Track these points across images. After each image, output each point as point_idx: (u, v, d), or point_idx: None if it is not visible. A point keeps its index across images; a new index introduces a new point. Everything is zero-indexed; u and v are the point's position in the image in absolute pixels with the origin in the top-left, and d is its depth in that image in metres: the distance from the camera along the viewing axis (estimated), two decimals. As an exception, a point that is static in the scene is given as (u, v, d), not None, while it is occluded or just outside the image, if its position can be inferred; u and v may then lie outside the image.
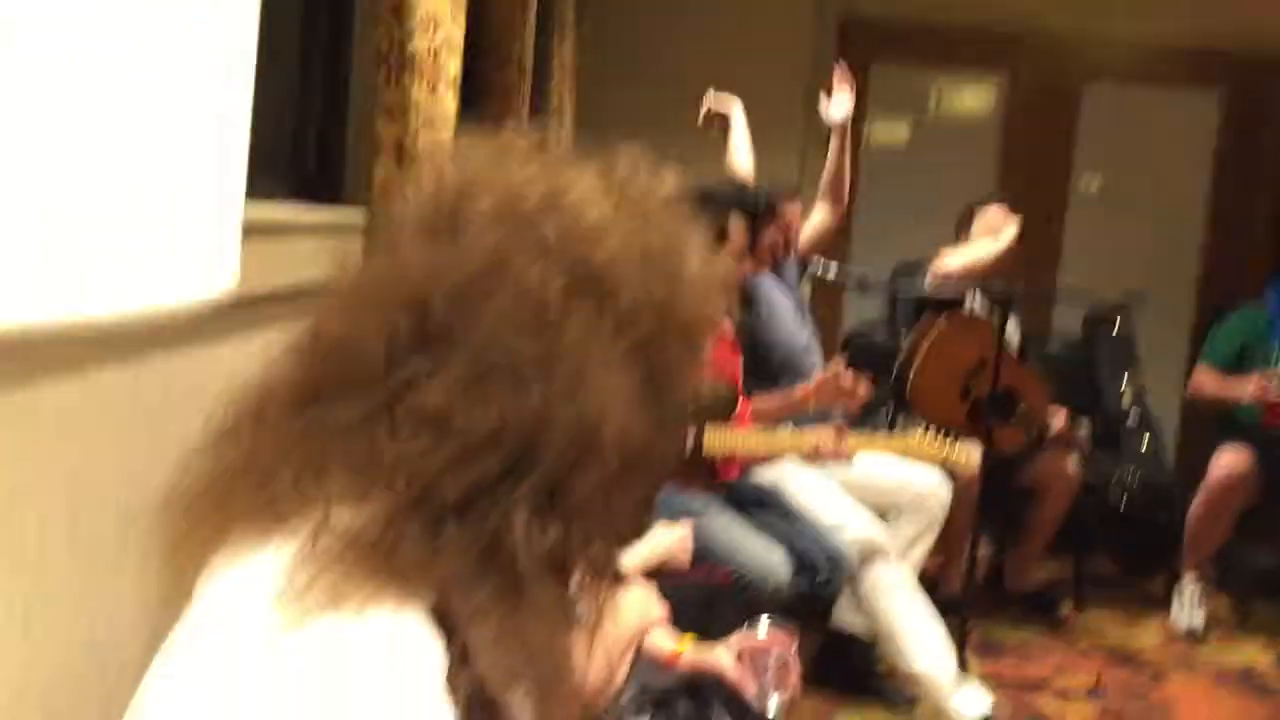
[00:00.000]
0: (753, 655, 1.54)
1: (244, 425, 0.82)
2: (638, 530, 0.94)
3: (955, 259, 3.69)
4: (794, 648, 1.57)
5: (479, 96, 2.62)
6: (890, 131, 5.16)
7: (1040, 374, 3.90)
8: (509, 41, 2.64)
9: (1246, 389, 3.88)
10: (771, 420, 3.12)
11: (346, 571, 0.73)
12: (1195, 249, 5.08)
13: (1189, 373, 4.96)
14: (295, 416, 0.80)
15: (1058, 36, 4.93)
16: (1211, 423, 4.23)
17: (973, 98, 5.18)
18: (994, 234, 3.75)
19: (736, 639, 1.58)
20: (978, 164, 5.03)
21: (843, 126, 3.57)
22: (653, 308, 0.82)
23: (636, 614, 1.63)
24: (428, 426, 0.76)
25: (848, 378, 2.97)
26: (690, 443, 2.73)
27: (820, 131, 4.31)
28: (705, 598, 2.19)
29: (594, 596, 0.84)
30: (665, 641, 1.63)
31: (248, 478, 0.79)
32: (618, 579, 1.91)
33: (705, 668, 1.57)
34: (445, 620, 0.76)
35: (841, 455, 2.88)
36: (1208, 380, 4.07)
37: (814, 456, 2.88)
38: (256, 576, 0.76)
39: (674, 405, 0.85)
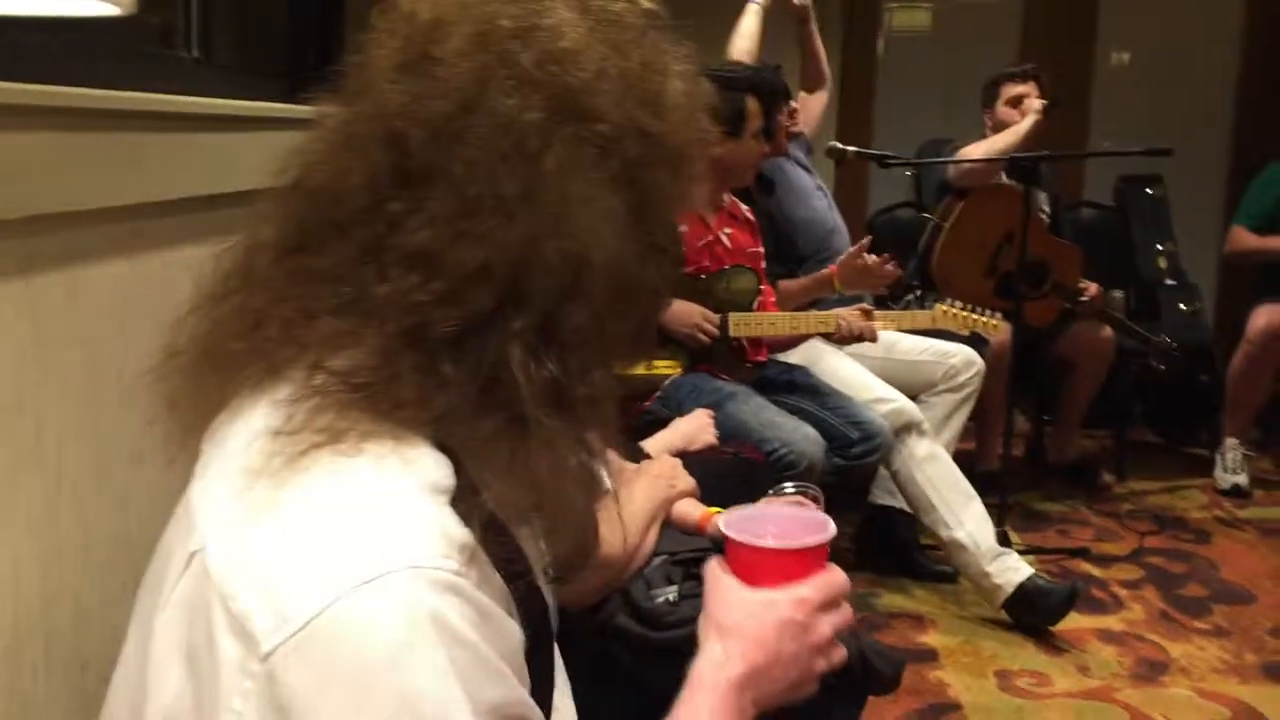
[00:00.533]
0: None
1: (232, 281, 0.82)
2: (635, 357, 0.92)
3: (978, 150, 3.60)
4: (820, 507, 1.56)
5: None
6: (911, 16, 5.03)
7: (1072, 243, 3.83)
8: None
9: None
10: (798, 302, 3.10)
11: (343, 409, 0.73)
12: (1226, 112, 4.94)
13: (1224, 233, 4.89)
14: (282, 266, 0.79)
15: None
16: (1249, 283, 4.16)
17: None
18: (1019, 110, 3.68)
19: (762, 503, 1.58)
20: (1001, 42, 4.91)
21: (804, 7, 3.56)
22: (636, 132, 0.80)
23: (663, 483, 1.63)
24: (415, 265, 0.75)
25: (873, 258, 2.93)
26: (717, 329, 2.73)
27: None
28: (739, 472, 2.19)
29: (600, 425, 0.83)
30: (693, 510, 1.63)
31: (239, 332, 0.79)
32: (632, 444, 1.92)
33: (734, 531, 1.57)
34: (450, 455, 0.75)
35: (866, 334, 2.86)
36: (1245, 237, 3.99)
37: (840, 336, 2.86)
38: (255, 422, 0.76)
39: (663, 230, 0.84)
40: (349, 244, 0.77)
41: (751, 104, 2.83)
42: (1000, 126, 3.73)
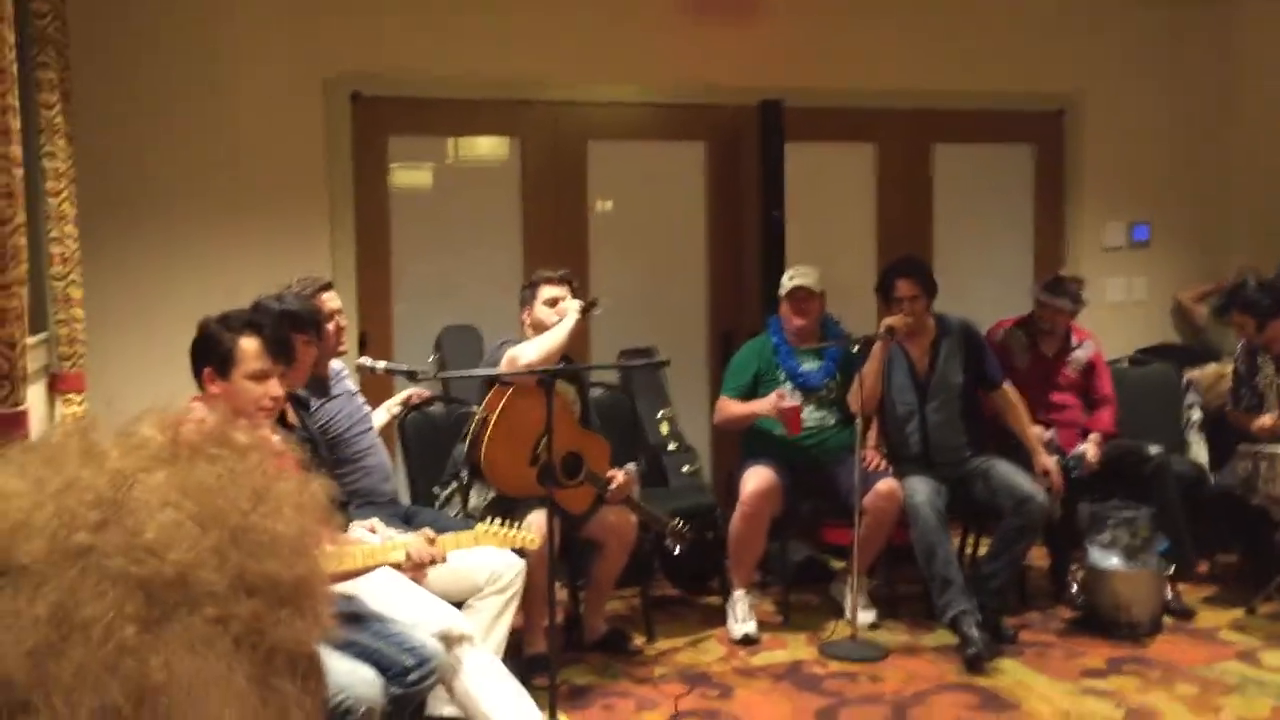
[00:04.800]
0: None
1: None
2: None
3: (529, 350, 3.80)
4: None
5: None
6: (414, 177, 5.24)
7: (600, 432, 4.14)
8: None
9: (764, 404, 4.37)
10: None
11: None
12: (702, 287, 5.60)
13: (712, 398, 5.51)
14: None
15: (559, 104, 5.26)
16: (738, 448, 4.72)
17: (489, 148, 5.38)
18: (556, 311, 3.95)
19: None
20: (503, 206, 5.27)
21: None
22: (246, 589, 0.74)
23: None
24: None
25: (433, 554, 2.95)
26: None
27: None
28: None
29: None
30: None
31: None
32: None
33: None
34: None
35: (437, 558, 2.92)
36: (730, 406, 4.52)
37: (410, 564, 2.89)
38: None
39: (294, 681, 0.77)
40: None
41: (246, 344, 2.80)
42: (539, 325, 3.97)
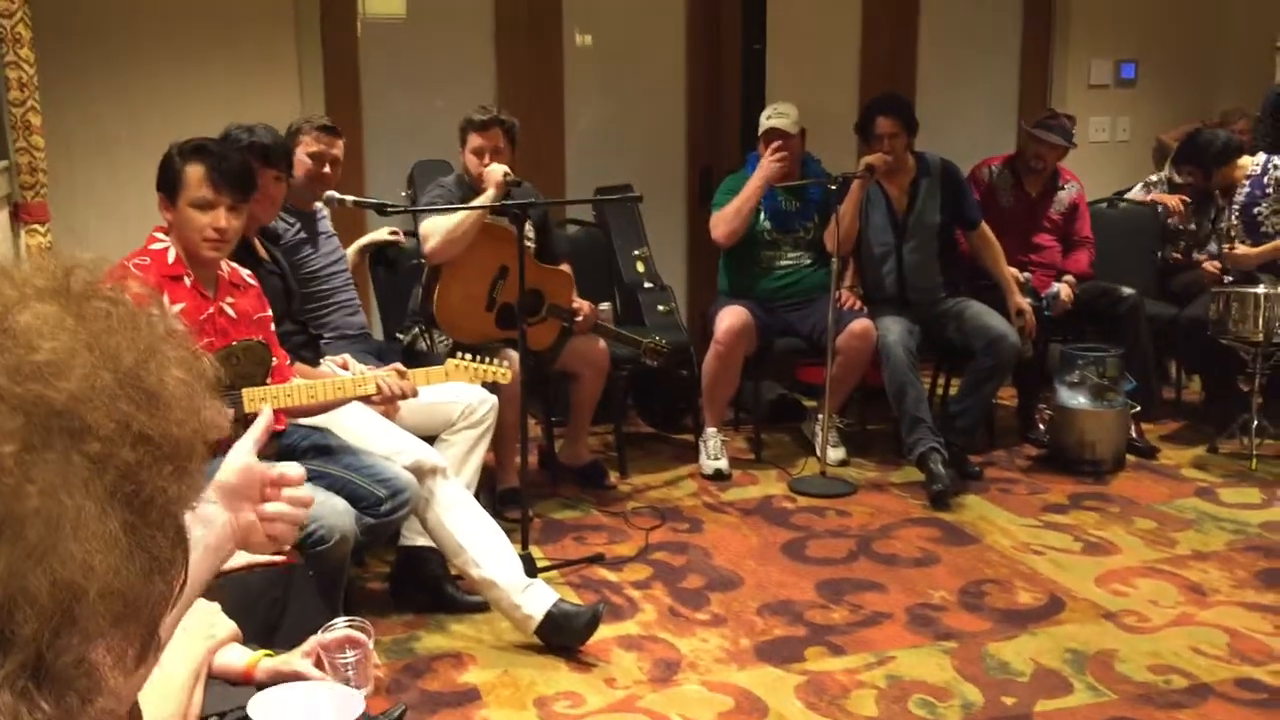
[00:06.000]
0: (330, 655, 1.58)
1: None
2: (146, 662, 0.87)
3: (434, 234, 3.69)
4: (371, 642, 1.62)
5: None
6: (387, 6, 5.06)
7: (559, 266, 4.11)
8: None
9: (757, 175, 4.31)
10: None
11: None
12: (681, 123, 5.49)
13: (690, 235, 5.47)
14: None
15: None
16: (714, 287, 4.71)
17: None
18: (483, 163, 3.84)
19: (313, 642, 1.61)
20: (477, 37, 5.11)
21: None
22: (132, 437, 0.73)
23: (200, 637, 1.60)
24: None
25: (404, 387, 2.91)
26: (230, 408, 2.66)
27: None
28: (281, 584, 2.18)
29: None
30: (237, 658, 1.62)
31: None
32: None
33: (284, 675, 1.58)
34: None
35: (408, 391, 2.92)
36: (725, 208, 4.42)
37: (381, 397, 2.90)
38: None
39: (169, 539, 0.76)
40: None
41: (192, 170, 2.72)
42: (468, 171, 3.91)
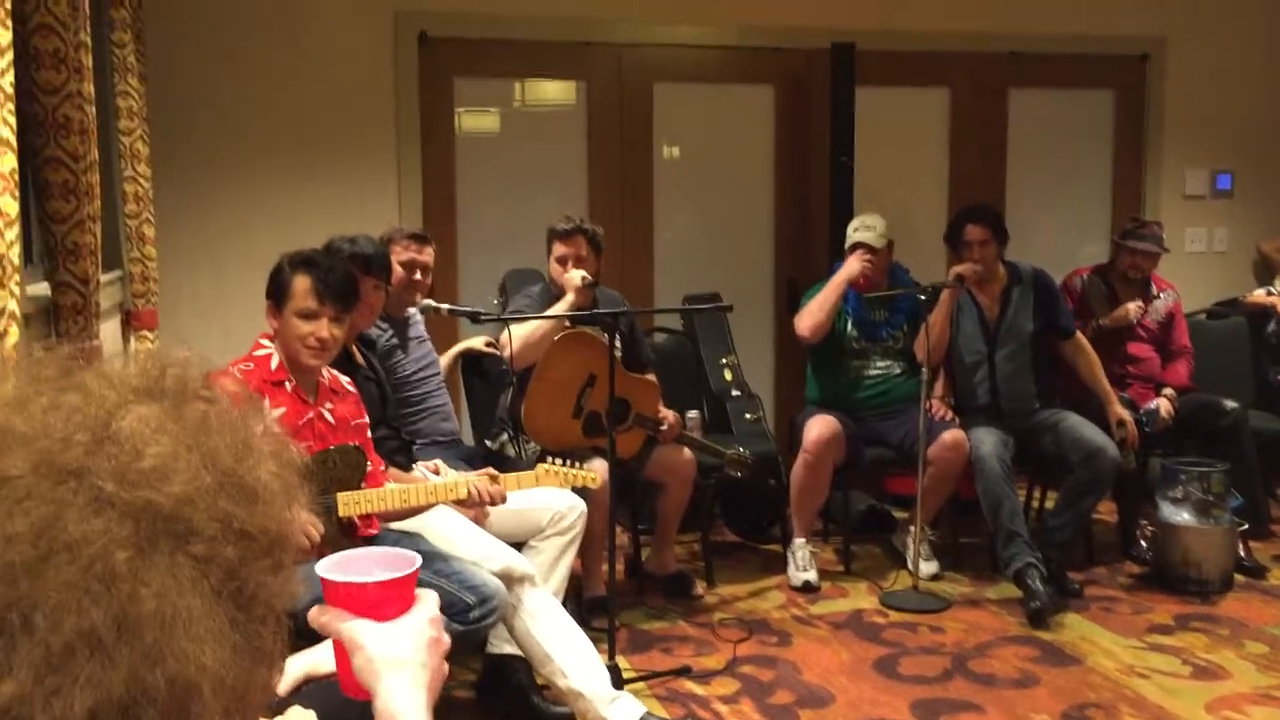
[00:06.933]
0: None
1: None
2: None
3: (515, 340, 3.73)
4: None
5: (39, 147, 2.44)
6: (481, 121, 5.23)
7: (647, 376, 4.13)
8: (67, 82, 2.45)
9: (843, 271, 4.35)
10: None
11: None
12: (769, 234, 5.54)
13: (776, 344, 5.48)
14: None
15: (624, 45, 5.21)
16: (802, 396, 4.69)
17: (555, 92, 5.35)
18: (564, 272, 3.94)
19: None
20: (567, 149, 5.24)
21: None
22: (234, 535, 0.75)
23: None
24: None
25: (494, 492, 2.97)
26: (325, 510, 2.69)
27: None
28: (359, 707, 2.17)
29: None
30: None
31: None
32: None
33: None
34: None
35: (497, 497, 2.94)
36: (809, 304, 4.42)
37: (471, 502, 2.92)
38: None
39: (271, 631, 0.79)
40: None
41: (299, 281, 2.80)
42: (553, 280, 4.00)
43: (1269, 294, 5.20)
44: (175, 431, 0.75)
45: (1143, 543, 4.50)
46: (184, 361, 0.83)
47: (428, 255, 3.79)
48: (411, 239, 3.78)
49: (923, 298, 4.29)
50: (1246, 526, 4.37)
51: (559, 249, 3.99)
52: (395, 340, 3.70)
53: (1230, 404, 4.56)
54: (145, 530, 0.71)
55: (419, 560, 1.13)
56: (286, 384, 2.80)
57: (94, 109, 2.65)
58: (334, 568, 1.12)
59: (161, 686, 0.69)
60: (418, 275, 3.75)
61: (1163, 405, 4.53)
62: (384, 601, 1.10)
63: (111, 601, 0.69)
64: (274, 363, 2.81)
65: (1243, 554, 4.39)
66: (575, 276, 3.84)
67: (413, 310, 3.80)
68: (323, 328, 2.77)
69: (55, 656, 0.67)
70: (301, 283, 2.78)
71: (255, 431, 0.81)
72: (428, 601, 1.12)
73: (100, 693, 0.68)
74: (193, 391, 0.80)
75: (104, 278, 3.12)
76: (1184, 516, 4.23)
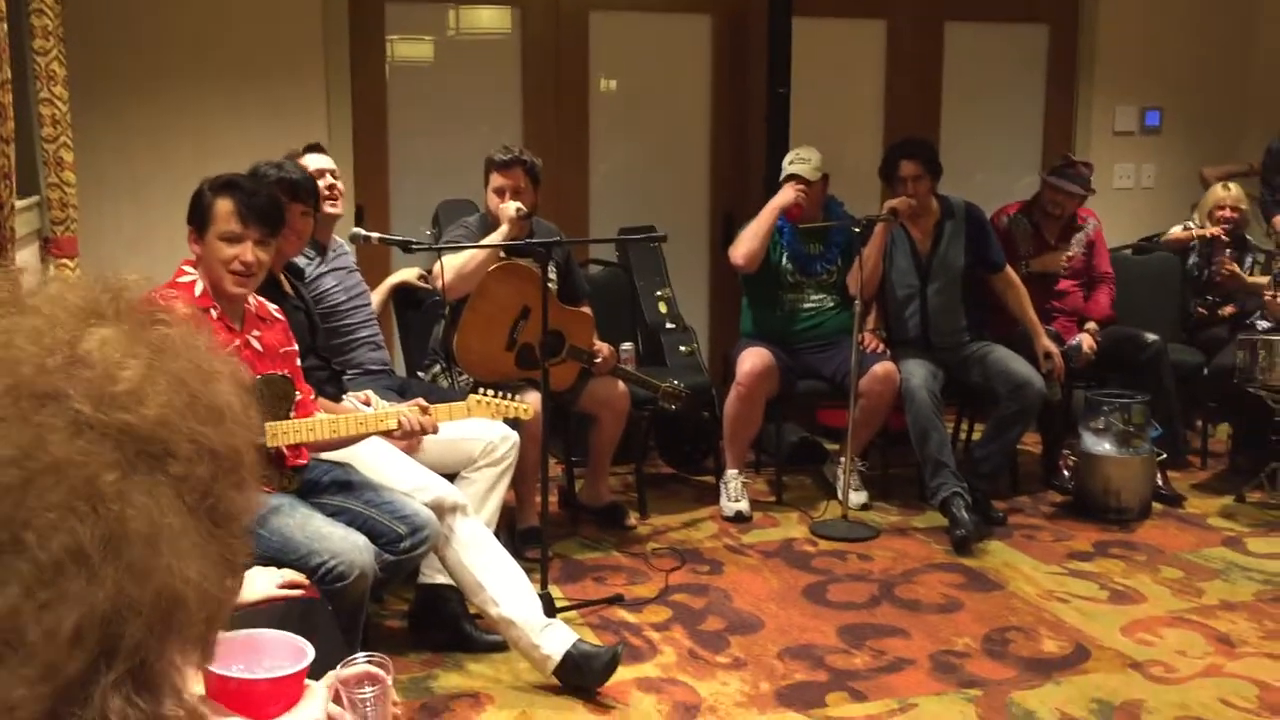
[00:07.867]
0: (349, 690, 1.56)
1: None
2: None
3: (448, 271, 3.67)
4: (390, 678, 1.61)
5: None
6: (414, 49, 5.13)
7: (581, 308, 4.11)
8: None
9: (774, 201, 4.35)
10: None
11: None
12: (705, 166, 5.52)
13: (713, 280, 5.48)
14: None
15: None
16: (735, 328, 4.71)
17: (490, 19, 5.25)
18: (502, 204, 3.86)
19: (331, 677, 1.60)
20: (502, 78, 5.17)
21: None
22: (204, 454, 0.78)
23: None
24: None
25: (425, 423, 2.92)
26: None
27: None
28: (296, 614, 2.18)
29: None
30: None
31: None
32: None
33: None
34: None
35: (428, 427, 2.92)
36: (740, 235, 4.44)
37: (402, 433, 2.90)
38: None
39: (240, 540, 0.82)
40: None
41: (221, 204, 2.74)
42: (490, 211, 3.93)
43: (1185, 229, 5.27)
44: (145, 355, 0.77)
45: (1065, 472, 4.61)
46: (133, 284, 0.84)
47: (328, 162, 3.70)
48: (310, 148, 3.71)
49: (857, 230, 4.31)
50: (1165, 456, 4.50)
51: (497, 180, 3.93)
52: (323, 268, 3.64)
53: (1151, 337, 4.66)
54: (127, 452, 0.74)
55: (311, 654, 1.07)
56: (211, 311, 2.75)
57: (5, 27, 2.56)
58: (220, 652, 1.07)
59: (148, 600, 0.72)
60: (329, 179, 3.65)
61: (1085, 340, 4.62)
62: (270, 699, 1.03)
63: (99, 521, 0.71)
64: (198, 289, 2.76)
65: (1161, 483, 4.52)
66: (510, 207, 3.80)
67: (338, 238, 3.73)
68: (247, 251, 2.71)
69: (45, 573, 0.70)
70: (224, 205, 2.72)
71: (212, 353, 0.83)
72: (315, 697, 1.09)
73: (88, 607, 0.71)
74: (151, 314, 0.82)
75: (20, 203, 3.03)
76: (1105, 447, 4.34)
